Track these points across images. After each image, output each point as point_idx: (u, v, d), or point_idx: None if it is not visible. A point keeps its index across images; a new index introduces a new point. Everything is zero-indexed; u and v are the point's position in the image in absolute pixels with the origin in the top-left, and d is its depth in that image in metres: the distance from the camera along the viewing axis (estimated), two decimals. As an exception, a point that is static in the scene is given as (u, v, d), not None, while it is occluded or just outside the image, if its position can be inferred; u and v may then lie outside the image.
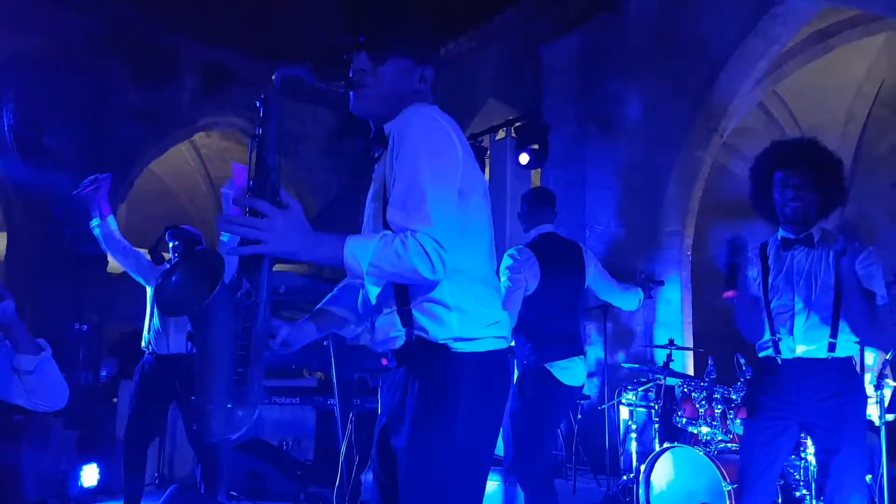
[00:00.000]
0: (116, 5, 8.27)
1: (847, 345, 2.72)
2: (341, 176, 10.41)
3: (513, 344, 3.48)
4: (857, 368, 2.86)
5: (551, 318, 3.44)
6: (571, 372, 3.45)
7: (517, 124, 7.49)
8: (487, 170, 7.46)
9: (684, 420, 4.34)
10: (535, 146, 7.06)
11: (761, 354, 2.85)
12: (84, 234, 4.62)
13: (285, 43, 9.74)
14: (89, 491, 5.33)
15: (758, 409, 2.83)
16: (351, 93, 1.75)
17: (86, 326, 6.97)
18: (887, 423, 3.85)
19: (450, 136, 1.62)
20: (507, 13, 8.54)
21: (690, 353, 6.37)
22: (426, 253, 1.51)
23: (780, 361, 2.76)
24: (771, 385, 2.78)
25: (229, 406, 1.61)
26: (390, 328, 1.69)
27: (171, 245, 4.52)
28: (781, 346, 2.75)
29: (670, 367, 4.89)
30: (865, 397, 2.84)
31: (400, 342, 1.67)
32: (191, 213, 12.24)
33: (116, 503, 4.84)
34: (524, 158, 6.53)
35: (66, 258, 7.78)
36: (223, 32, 9.00)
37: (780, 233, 2.84)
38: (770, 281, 2.80)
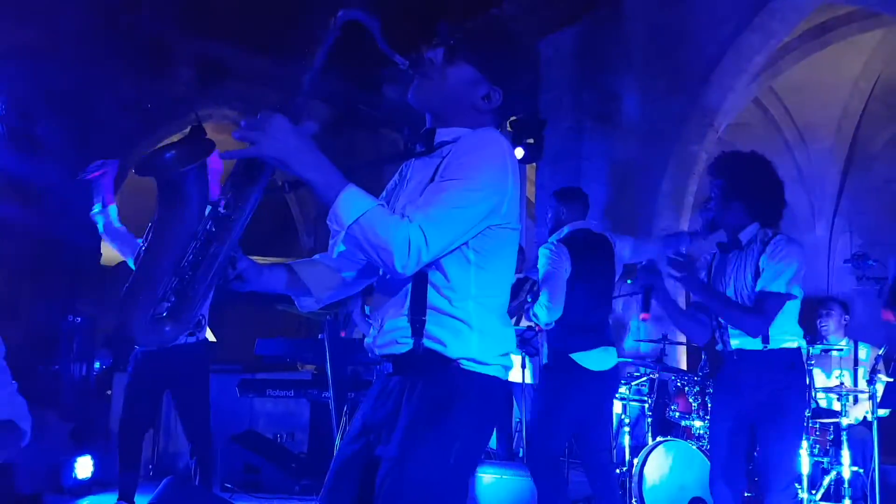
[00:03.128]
0: (110, -4, 8.23)
1: (782, 337, 2.85)
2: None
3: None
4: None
5: (579, 309, 3.55)
6: (597, 358, 3.54)
7: (513, 118, 7.48)
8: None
9: (677, 414, 4.37)
10: (531, 141, 7.06)
11: (716, 347, 3.07)
12: (78, 226, 4.61)
13: (281, 37, 9.71)
14: (83, 483, 5.32)
15: (716, 401, 3.13)
16: (414, 80, 1.71)
17: (80, 319, 6.96)
18: (879, 419, 3.89)
19: (506, 172, 1.60)
20: (503, 7, 8.52)
21: (684, 348, 6.39)
22: (409, 243, 1.47)
23: (724, 354, 3.00)
24: (722, 376, 3.04)
25: (162, 315, 1.48)
26: (399, 333, 1.64)
27: None
28: (723, 338, 2.98)
29: (663, 361, 4.91)
30: (803, 389, 3.01)
31: (405, 349, 1.63)
32: (185, 205, 12.21)
33: (111, 495, 4.84)
34: (519, 153, 6.52)
35: (59, 250, 7.75)
36: (218, 25, 8.95)
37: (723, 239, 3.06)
38: (712, 282, 3.03)
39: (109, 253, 8.46)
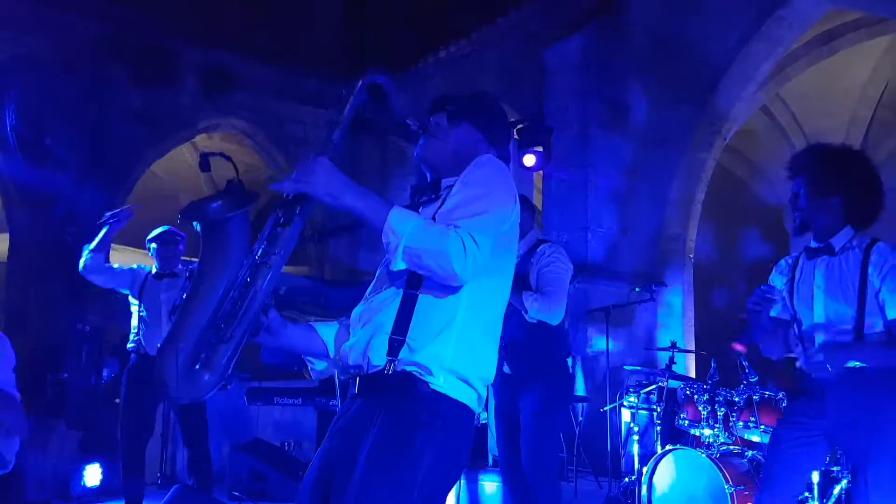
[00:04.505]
0: (118, 7, 8.29)
1: None
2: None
3: None
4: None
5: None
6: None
7: (519, 126, 7.48)
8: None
9: (686, 422, 4.33)
10: (539, 148, 7.05)
11: (798, 364, 2.70)
12: (86, 234, 4.65)
13: (287, 46, 9.76)
14: (92, 491, 5.33)
15: (787, 414, 2.75)
16: (421, 139, 1.87)
17: (88, 327, 6.98)
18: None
19: (514, 193, 1.72)
20: (509, 15, 8.54)
21: (693, 356, 6.36)
22: (464, 246, 1.53)
23: (806, 373, 2.62)
24: (801, 393, 2.65)
25: (196, 367, 1.51)
26: (372, 349, 1.62)
27: (152, 248, 4.59)
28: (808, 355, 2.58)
29: (672, 369, 4.89)
30: None
31: (375, 368, 1.61)
32: (193, 214, 12.25)
33: (119, 503, 4.84)
34: (530, 160, 6.48)
35: (68, 259, 7.77)
36: (225, 35, 9.01)
37: (812, 243, 2.67)
38: (795, 294, 2.65)
39: (116, 262, 8.50)
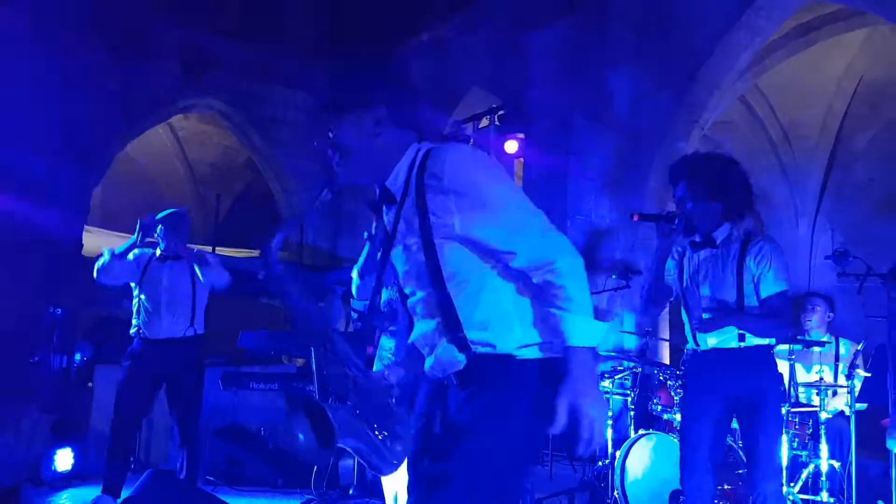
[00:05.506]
0: (94, -17, 8.13)
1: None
2: (324, 161, 10.33)
3: None
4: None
5: None
6: None
7: (500, 112, 7.47)
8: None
9: (659, 408, 4.39)
10: (520, 135, 7.05)
11: (687, 347, 3.12)
12: (59, 217, 4.59)
13: (266, 26, 9.64)
14: (63, 475, 5.28)
15: (689, 398, 3.13)
16: (336, 169, 1.83)
17: (60, 310, 6.89)
18: (857, 413, 3.93)
19: (492, 159, 1.78)
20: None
21: (667, 343, 6.43)
22: (574, 269, 1.67)
23: (699, 352, 3.03)
24: (696, 374, 3.06)
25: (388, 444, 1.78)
26: (450, 355, 1.73)
27: (159, 229, 4.50)
28: (698, 338, 3.01)
29: (646, 355, 4.94)
30: (778, 385, 3.08)
31: (462, 365, 1.72)
32: (168, 196, 12.10)
33: (91, 488, 4.80)
34: (512, 146, 6.45)
35: (40, 241, 7.67)
36: (202, 14, 8.88)
37: (696, 237, 3.07)
38: (683, 280, 3.08)
39: (91, 244, 8.38)
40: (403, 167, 1.76)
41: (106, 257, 4.43)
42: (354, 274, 3.33)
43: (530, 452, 1.78)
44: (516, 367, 1.69)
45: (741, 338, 2.89)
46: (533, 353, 1.70)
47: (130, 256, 4.52)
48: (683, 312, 3.13)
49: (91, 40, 8.17)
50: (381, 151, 1.78)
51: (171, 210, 4.64)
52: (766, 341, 2.93)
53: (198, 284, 4.55)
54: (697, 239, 3.03)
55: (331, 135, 1.80)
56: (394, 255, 1.81)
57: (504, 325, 1.70)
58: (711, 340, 2.96)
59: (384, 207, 1.81)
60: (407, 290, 1.82)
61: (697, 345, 3.02)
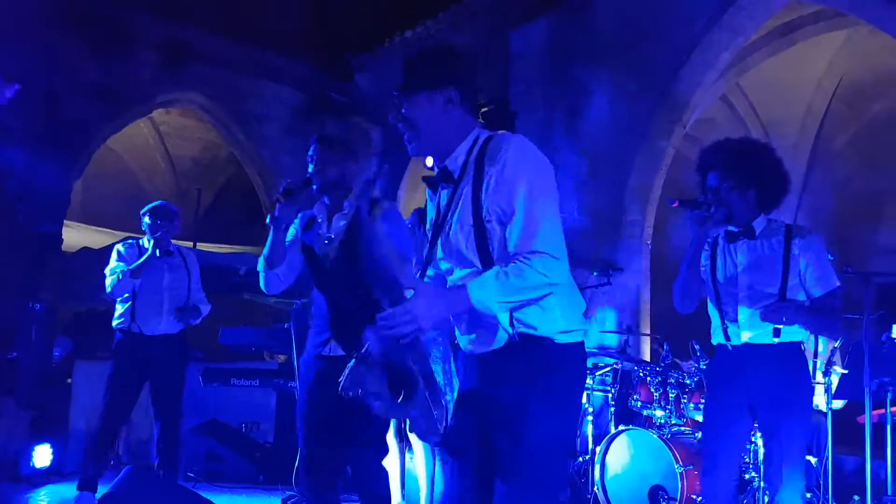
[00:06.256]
0: (72, -24, 8.02)
1: (793, 329, 2.80)
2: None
3: None
4: (808, 353, 2.95)
5: None
6: None
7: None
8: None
9: (639, 404, 4.43)
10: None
11: (714, 341, 2.97)
12: (39, 211, 4.52)
13: (249, 20, 9.57)
14: (41, 471, 5.23)
15: (714, 394, 2.99)
16: (405, 137, 1.93)
17: (39, 305, 6.81)
18: (833, 410, 3.98)
19: (548, 163, 1.90)
20: (475, -6, 8.50)
21: (647, 339, 6.47)
22: (543, 272, 1.76)
23: (730, 348, 2.89)
24: (723, 370, 2.92)
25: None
26: (493, 332, 1.84)
27: (150, 223, 4.46)
28: (730, 332, 2.87)
29: (627, 352, 4.97)
30: (810, 383, 2.93)
31: (502, 342, 1.84)
32: (149, 191, 11.99)
33: (69, 484, 4.77)
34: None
35: (19, 236, 7.58)
36: (184, 7, 8.80)
37: (730, 227, 2.93)
38: (717, 271, 2.93)
39: (70, 239, 8.30)
40: (463, 150, 1.90)
41: (119, 276, 4.37)
42: (261, 265, 3.04)
43: (574, 434, 1.96)
44: (557, 350, 1.83)
45: (776, 333, 2.77)
46: (573, 338, 1.86)
47: (119, 265, 4.45)
48: (712, 307, 2.96)
49: (71, 34, 8.07)
50: (447, 130, 1.91)
51: (158, 202, 4.63)
52: (798, 337, 2.81)
53: (192, 280, 4.57)
54: (734, 229, 2.89)
55: (403, 111, 1.91)
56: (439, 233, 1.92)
57: (546, 308, 1.82)
58: (746, 335, 2.82)
59: (440, 186, 1.93)
60: (443, 267, 1.94)
61: (728, 339, 2.87)
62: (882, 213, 8.56)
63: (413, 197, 9.07)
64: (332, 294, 2.94)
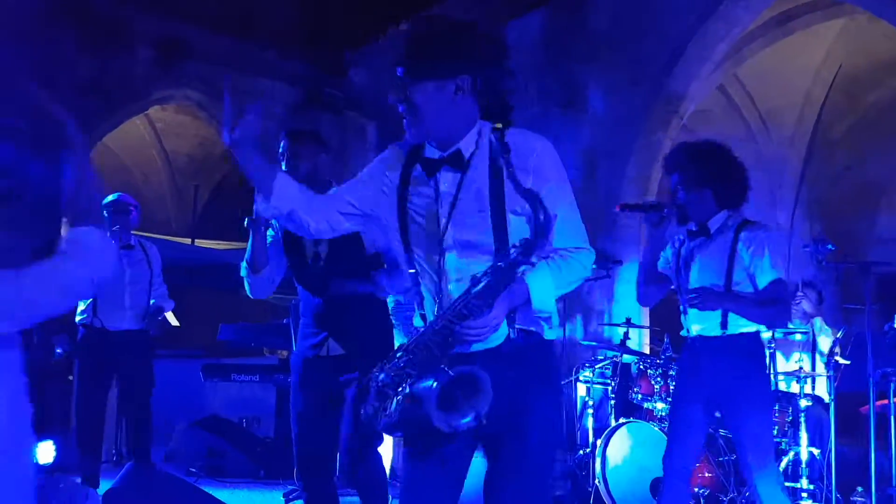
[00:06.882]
0: (66, -28, 7.97)
1: (741, 321, 2.88)
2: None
3: None
4: (766, 343, 3.01)
5: None
6: None
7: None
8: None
9: (640, 396, 4.43)
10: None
11: (681, 333, 3.12)
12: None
13: (244, 16, 9.53)
14: (45, 468, 5.22)
15: (677, 385, 3.21)
16: (405, 122, 1.85)
17: (38, 304, 6.80)
18: (836, 401, 3.98)
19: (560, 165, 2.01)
20: (470, -11, 8.46)
21: (647, 332, 6.48)
22: (586, 265, 1.88)
23: (689, 340, 3.05)
24: (684, 363, 3.10)
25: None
26: (496, 331, 1.81)
27: (106, 217, 4.43)
28: (686, 325, 3.02)
29: (627, 345, 4.97)
30: (765, 373, 3.07)
31: (502, 339, 1.82)
32: (145, 188, 11.97)
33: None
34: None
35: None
36: (178, 4, 8.75)
37: (692, 226, 3.07)
38: (678, 266, 3.08)
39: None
40: (472, 137, 1.86)
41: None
42: (245, 270, 2.96)
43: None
44: (548, 345, 1.89)
45: (724, 325, 2.87)
46: (557, 334, 1.92)
47: None
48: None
49: (65, 30, 8.02)
50: (454, 119, 1.83)
51: (115, 196, 4.52)
52: (752, 329, 2.91)
53: (154, 274, 4.54)
54: (693, 228, 3.02)
55: (409, 95, 1.81)
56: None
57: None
58: (695, 327, 2.96)
59: (442, 169, 1.85)
60: (449, 256, 1.88)
61: (688, 332, 3.03)
62: (880, 203, 8.57)
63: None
64: (322, 292, 2.93)
